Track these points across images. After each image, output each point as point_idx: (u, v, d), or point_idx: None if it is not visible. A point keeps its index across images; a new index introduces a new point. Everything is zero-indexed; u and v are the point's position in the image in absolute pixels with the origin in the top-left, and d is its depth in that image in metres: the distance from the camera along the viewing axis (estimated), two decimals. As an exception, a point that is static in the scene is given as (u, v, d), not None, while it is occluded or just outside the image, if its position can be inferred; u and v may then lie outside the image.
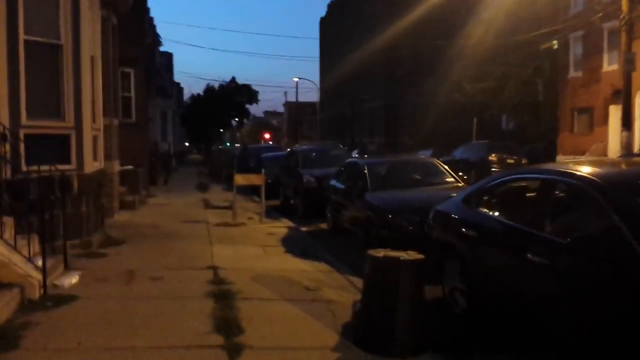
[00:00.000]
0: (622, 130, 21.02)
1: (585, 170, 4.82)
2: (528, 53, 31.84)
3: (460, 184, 10.22)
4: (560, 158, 32.23)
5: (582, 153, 29.63)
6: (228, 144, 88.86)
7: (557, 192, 5.04)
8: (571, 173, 4.88)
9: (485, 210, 5.91)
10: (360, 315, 5.23)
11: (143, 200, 16.06)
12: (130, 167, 15.74)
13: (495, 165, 24.90)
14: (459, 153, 26.56)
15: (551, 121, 32.78)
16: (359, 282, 7.39)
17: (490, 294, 5.64)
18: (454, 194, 8.87)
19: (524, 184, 5.63)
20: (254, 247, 9.75)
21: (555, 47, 31.78)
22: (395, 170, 10.71)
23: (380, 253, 5.13)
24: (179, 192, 20.13)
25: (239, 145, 69.77)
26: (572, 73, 31.51)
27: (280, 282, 7.28)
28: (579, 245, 4.25)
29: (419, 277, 5.07)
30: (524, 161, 25.83)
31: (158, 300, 6.33)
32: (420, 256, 5.09)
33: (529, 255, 4.88)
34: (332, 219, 11.93)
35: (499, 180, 5.89)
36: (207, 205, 15.98)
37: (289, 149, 21.10)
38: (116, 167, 13.25)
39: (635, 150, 24.33)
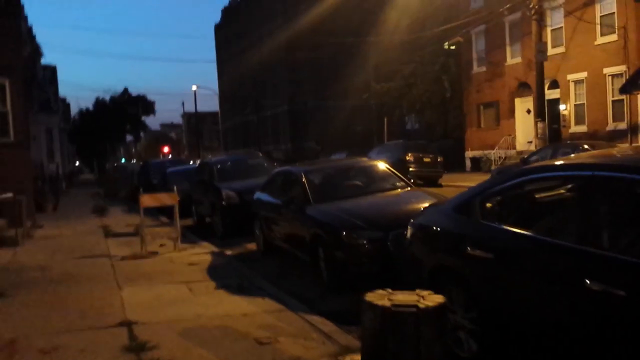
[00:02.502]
0: (537, 121, 20.87)
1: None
2: (435, 50, 31.63)
3: (411, 187, 8.90)
4: (468, 154, 32.41)
5: (491, 147, 29.85)
6: (124, 161, 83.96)
7: (618, 193, 3.69)
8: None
9: (497, 221, 4.49)
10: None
11: (28, 232, 13.50)
12: (9, 194, 13.14)
13: (412, 165, 24.24)
14: (374, 154, 25.60)
15: (459, 118, 32.83)
16: (319, 322, 5.83)
17: (520, 336, 4.22)
18: (425, 202, 7.54)
19: (554, 183, 4.26)
20: (175, 285, 7.83)
21: (453, 47, 31.86)
22: (338, 177, 9.16)
23: (384, 299, 3.55)
24: (73, 218, 17.50)
25: (135, 161, 65.82)
26: (476, 68, 31.73)
27: (221, 335, 5.50)
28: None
29: (444, 330, 3.55)
30: (439, 159, 25.42)
31: (51, 390, 4.37)
32: (441, 298, 3.57)
33: (587, 283, 3.51)
34: (264, 238, 10.22)
35: (515, 181, 4.48)
36: (108, 233, 13.66)
37: (199, 161, 19.06)
38: (-11, 196, 10.79)
39: (534, 145, 24.23)
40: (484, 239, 4.45)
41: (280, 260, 9.71)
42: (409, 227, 5.58)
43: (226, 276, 8.23)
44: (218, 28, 73.57)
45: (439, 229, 5.11)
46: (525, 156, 19.41)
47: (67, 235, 13.75)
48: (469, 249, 4.54)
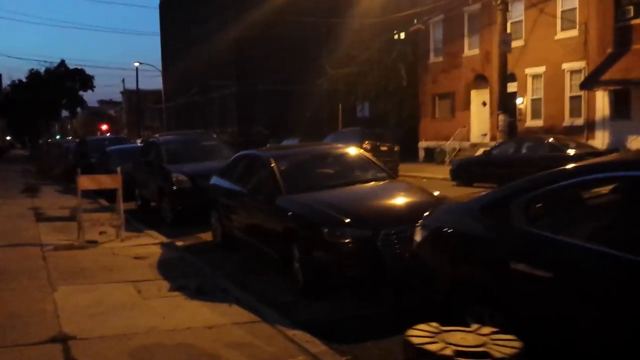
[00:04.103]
0: (498, 114, 20.42)
1: None
2: (392, 38, 30.84)
3: (393, 178, 7.98)
4: (422, 144, 31.97)
5: (445, 138, 29.42)
6: (58, 137, 79.88)
7: None
8: None
9: (553, 231, 3.57)
10: None
11: (-56, 214, 11.81)
12: None
13: (369, 153, 23.37)
14: (330, 141, 24.61)
15: (413, 107, 32.25)
16: (303, 338, 4.83)
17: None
18: (417, 197, 6.65)
19: (627, 185, 3.37)
20: (120, 284, 6.60)
21: (402, 36, 31.24)
22: (312, 165, 8.07)
23: (438, 341, 2.55)
24: (-1, 198, 15.71)
25: (71, 138, 62.52)
26: (433, 58, 31.17)
27: (183, 358, 4.39)
28: None
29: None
30: (396, 148, 24.75)
31: None
32: (516, 342, 2.61)
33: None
34: (222, 229, 9.07)
35: (573, 181, 3.56)
36: (40, 216, 12.11)
37: (140, 140, 17.56)
38: None
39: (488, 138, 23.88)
40: (535, 253, 3.52)
41: (241, 254, 8.61)
42: (418, 228, 4.61)
43: (181, 274, 7.06)
44: (163, 3, 70.47)
45: (463, 235, 4.16)
46: (488, 149, 18.92)
47: (-9, 217, 12.12)
48: (511, 263, 3.61)
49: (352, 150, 8.51)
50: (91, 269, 7.33)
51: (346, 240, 6.02)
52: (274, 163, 7.71)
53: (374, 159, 8.32)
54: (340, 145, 9.30)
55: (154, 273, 7.22)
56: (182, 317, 5.36)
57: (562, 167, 3.83)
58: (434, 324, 2.75)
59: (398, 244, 5.90)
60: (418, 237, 4.60)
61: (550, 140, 16.38)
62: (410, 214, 6.10)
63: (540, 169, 14.44)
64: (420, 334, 2.62)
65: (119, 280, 6.81)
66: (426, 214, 4.77)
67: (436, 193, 7.21)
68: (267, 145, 28.97)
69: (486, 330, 2.68)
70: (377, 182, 7.58)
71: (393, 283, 5.98)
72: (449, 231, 4.31)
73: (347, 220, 6.11)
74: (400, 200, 6.76)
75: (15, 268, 7.34)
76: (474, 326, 2.74)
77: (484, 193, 4.39)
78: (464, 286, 4.04)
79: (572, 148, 15.79)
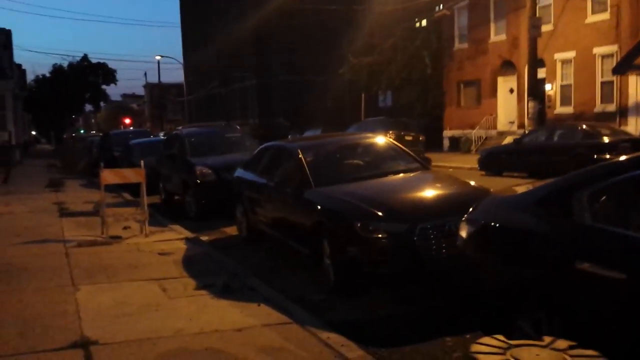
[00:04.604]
0: (529, 100, 19.78)
1: None
2: (414, 25, 30.23)
3: (427, 168, 7.59)
4: (447, 133, 31.35)
5: (471, 127, 28.79)
6: (82, 132, 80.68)
7: None
8: None
9: (625, 227, 3.18)
10: None
11: (-31, 209, 11.74)
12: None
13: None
14: (353, 131, 24.24)
15: (438, 96, 31.60)
16: (339, 342, 4.52)
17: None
18: (454, 188, 6.30)
19: None
20: (145, 282, 6.34)
21: (423, 25, 30.65)
22: (341, 156, 7.73)
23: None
24: (24, 193, 15.66)
25: (95, 132, 63.08)
26: (458, 45, 30.48)
27: (212, 365, 4.10)
28: None
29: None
30: (421, 138, 24.27)
31: None
32: (599, 358, 2.24)
33: None
34: (247, 223, 8.78)
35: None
36: (63, 211, 11.97)
37: (170, 132, 17.39)
38: None
39: (516, 125, 23.31)
40: (604, 251, 3.14)
41: (267, 248, 8.34)
42: (464, 224, 4.25)
43: (207, 271, 6.80)
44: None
45: (516, 232, 3.78)
46: (518, 137, 18.35)
47: (15, 212, 12.02)
48: (575, 262, 3.23)
49: (382, 140, 8.12)
50: (115, 266, 7.09)
51: (380, 235, 5.67)
52: (302, 154, 7.38)
53: (405, 149, 7.92)
54: (369, 134, 8.91)
55: (179, 270, 6.96)
56: (210, 319, 5.07)
57: (628, 156, 3.43)
58: (500, 336, 2.40)
59: (436, 239, 5.54)
60: (464, 233, 4.24)
61: (584, 126, 15.78)
62: (448, 207, 5.77)
63: (574, 157, 13.89)
64: (487, 350, 2.27)
65: (143, 278, 6.55)
66: (471, 208, 4.41)
67: (472, 183, 6.82)
68: (289, 137, 28.73)
69: (562, 344, 2.32)
70: (410, 173, 7.20)
71: (429, 281, 5.64)
72: (500, 227, 3.93)
73: (381, 214, 5.76)
74: (436, 192, 6.40)
75: (38, 265, 7.14)
76: (547, 339, 2.39)
77: (539, 185, 4.00)
78: (518, 287, 3.66)
79: (606, 135, 15.19)
